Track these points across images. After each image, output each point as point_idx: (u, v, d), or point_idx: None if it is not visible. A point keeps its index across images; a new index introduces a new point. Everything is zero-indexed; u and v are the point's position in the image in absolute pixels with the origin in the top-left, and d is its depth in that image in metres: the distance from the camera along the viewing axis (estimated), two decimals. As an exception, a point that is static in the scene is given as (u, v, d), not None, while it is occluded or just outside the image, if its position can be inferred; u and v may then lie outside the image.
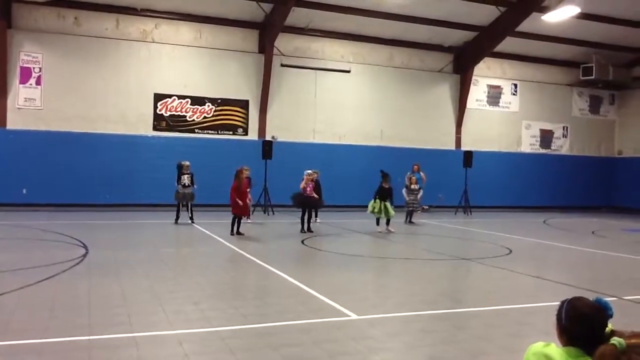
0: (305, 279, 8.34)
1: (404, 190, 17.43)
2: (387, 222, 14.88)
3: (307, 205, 14.53)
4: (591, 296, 2.41)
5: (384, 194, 14.81)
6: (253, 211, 17.60)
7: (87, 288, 7.27)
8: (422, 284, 8.54)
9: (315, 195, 14.80)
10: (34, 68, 18.36)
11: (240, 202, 13.17)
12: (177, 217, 15.34)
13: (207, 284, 7.94)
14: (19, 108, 18.22)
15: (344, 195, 20.14)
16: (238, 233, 13.16)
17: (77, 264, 8.97)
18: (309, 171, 14.96)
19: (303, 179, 14.74)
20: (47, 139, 18.29)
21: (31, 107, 18.35)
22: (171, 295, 7.08)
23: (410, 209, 17.36)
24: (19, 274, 8.01)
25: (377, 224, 15.06)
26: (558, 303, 2.42)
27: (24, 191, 18.06)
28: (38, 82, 18.39)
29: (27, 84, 18.30)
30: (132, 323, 5.76)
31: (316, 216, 16.42)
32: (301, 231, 14.15)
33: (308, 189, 14.55)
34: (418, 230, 16.02)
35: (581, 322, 2.27)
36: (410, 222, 17.23)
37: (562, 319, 2.35)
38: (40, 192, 18.08)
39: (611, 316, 2.28)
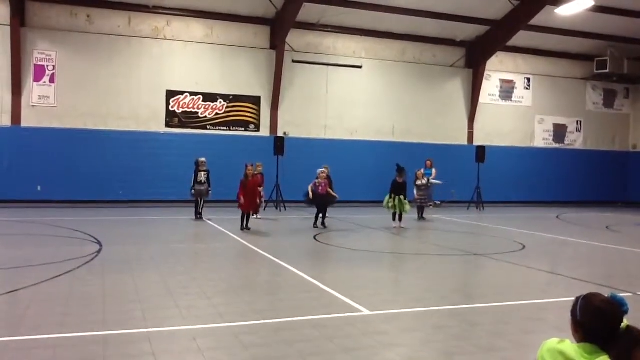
0: (317, 275, 8.36)
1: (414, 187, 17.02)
2: (400, 218, 14.84)
3: (323, 202, 14.40)
4: (605, 292, 2.39)
5: (397, 189, 14.76)
6: (265, 207, 17.63)
7: (101, 283, 7.33)
8: (434, 280, 8.52)
9: (332, 192, 14.55)
10: (47, 66, 18.51)
11: (242, 198, 13.22)
12: (197, 212, 15.43)
13: (219, 279, 7.98)
14: (33, 106, 18.39)
15: (355, 191, 20.12)
16: (246, 228, 13.30)
17: (92, 259, 9.04)
18: (322, 169, 14.77)
19: (317, 178, 14.42)
20: (61, 136, 18.45)
21: (45, 105, 18.50)
22: (184, 290, 7.12)
23: (419, 204, 17.00)
24: (34, 270, 8.09)
25: (394, 219, 14.94)
26: (572, 299, 2.41)
27: (39, 188, 18.24)
28: (52, 80, 18.54)
29: (41, 82, 18.45)
30: (146, 318, 5.80)
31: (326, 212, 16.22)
32: (314, 226, 14.16)
33: (320, 187, 14.33)
34: (430, 225, 15.97)
35: (596, 318, 2.26)
36: (422, 217, 17.04)
37: (577, 315, 2.33)
38: (54, 188, 18.25)
39: (626, 312, 2.26)
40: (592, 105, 26.28)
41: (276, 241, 12.33)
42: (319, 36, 21.43)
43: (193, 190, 15.40)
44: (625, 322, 2.24)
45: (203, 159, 15.58)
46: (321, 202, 14.42)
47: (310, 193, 14.38)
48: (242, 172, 13.67)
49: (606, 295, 2.32)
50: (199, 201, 15.47)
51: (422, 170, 17.59)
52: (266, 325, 5.72)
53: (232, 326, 5.62)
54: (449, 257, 10.62)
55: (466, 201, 21.83)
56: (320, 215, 14.42)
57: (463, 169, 22.11)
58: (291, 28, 19.96)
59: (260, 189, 14.87)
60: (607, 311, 2.25)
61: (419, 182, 17.01)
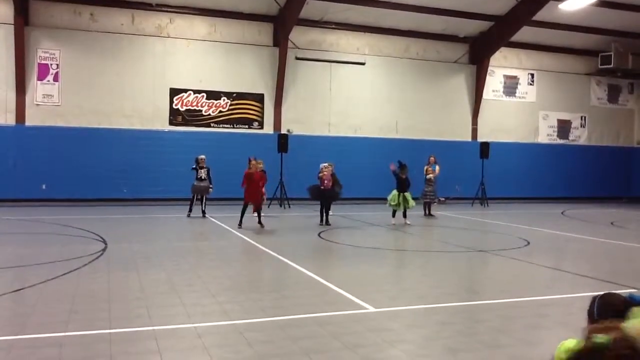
0: (322, 272, 8.37)
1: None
2: (404, 214, 14.86)
3: (324, 197, 14.54)
4: (611, 289, 2.38)
5: (402, 185, 14.82)
6: (269, 205, 17.64)
7: (106, 281, 7.36)
8: (439, 276, 8.52)
9: (336, 189, 14.75)
10: (51, 64, 18.54)
11: (244, 188, 13.38)
12: (190, 210, 15.56)
13: (224, 276, 8.00)
14: (37, 104, 18.43)
15: (359, 187, 20.11)
16: (259, 224, 13.27)
17: (97, 258, 9.07)
18: (325, 164, 14.88)
19: (320, 171, 14.67)
20: (65, 134, 18.49)
21: (49, 104, 18.54)
22: (189, 288, 7.14)
23: (427, 200, 17.12)
24: (40, 269, 8.13)
25: (393, 215, 15.03)
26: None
27: (43, 187, 18.29)
28: (56, 79, 18.57)
29: (45, 81, 18.49)
30: (152, 316, 5.82)
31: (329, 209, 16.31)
32: (319, 224, 14.20)
33: (326, 181, 14.48)
34: (435, 222, 15.96)
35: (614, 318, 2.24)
36: (429, 214, 16.99)
37: (595, 314, 2.33)
38: (59, 187, 18.30)
39: None
40: (597, 101, 26.18)
41: (280, 238, 12.35)
42: (322, 33, 21.40)
43: (193, 187, 15.60)
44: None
45: (202, 157, 15.84)
46: (322, 197, 14.52)
47: (318, 182, 14.52)
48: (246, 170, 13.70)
49: (624, 295, 2.30)
50: (194, 198, 15.62)
51: (431, 167, 17.53)
52: (271, 322, 5.73)
53: (237, 323, 5.64)
54: (454, 254, 10.61)
55: (470, 197, 21.81)
56: (324, 211, 14.47)
57: (467, 165, 22.09)
58: (294, 25, 19.94)
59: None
60: (625, 312, 2.22)
61: (428, 177, 16.98)
